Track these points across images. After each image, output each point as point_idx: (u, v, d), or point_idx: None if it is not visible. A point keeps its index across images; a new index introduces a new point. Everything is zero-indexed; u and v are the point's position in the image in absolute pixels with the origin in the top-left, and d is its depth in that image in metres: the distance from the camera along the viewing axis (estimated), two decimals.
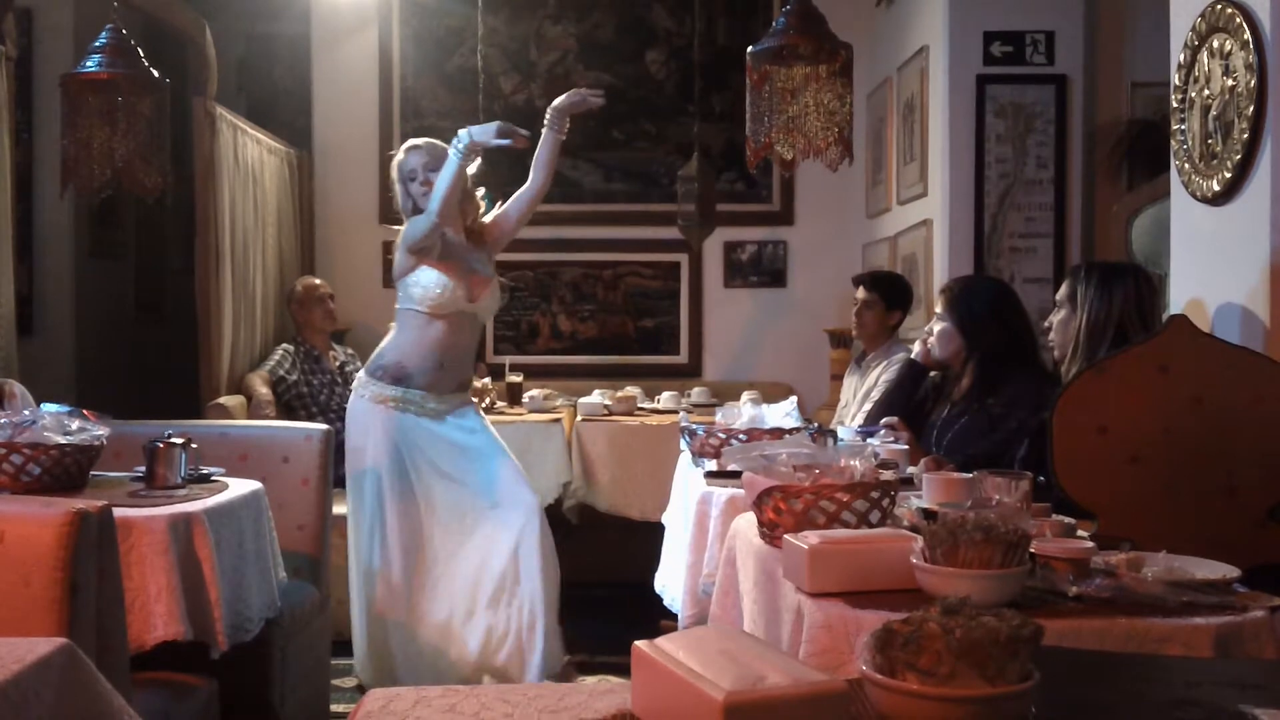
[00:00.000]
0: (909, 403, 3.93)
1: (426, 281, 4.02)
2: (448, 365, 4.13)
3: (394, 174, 4.20)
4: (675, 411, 5.43)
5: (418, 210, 4.10)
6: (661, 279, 7.06)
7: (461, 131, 3.90)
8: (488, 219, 4.24)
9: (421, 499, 4.06)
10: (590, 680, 4.22)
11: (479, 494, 4.07)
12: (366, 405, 4.11)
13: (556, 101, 4.11)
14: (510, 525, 4.02)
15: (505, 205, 4.27)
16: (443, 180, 3.91)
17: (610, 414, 5.35)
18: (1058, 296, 3.39)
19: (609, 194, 7.00)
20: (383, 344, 4.19)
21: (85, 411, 3.25)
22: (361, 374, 4.21)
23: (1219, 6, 3.05)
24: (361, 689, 4.16)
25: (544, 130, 4.13)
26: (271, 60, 7.65)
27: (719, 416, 3.82)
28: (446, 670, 3.98)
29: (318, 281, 6.21)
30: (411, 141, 4.24)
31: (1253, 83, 2.89)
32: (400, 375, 4.08)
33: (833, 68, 3.69)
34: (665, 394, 5.85)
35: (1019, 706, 1.23)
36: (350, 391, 5.95)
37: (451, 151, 3.90)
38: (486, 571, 4.02)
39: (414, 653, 4.05)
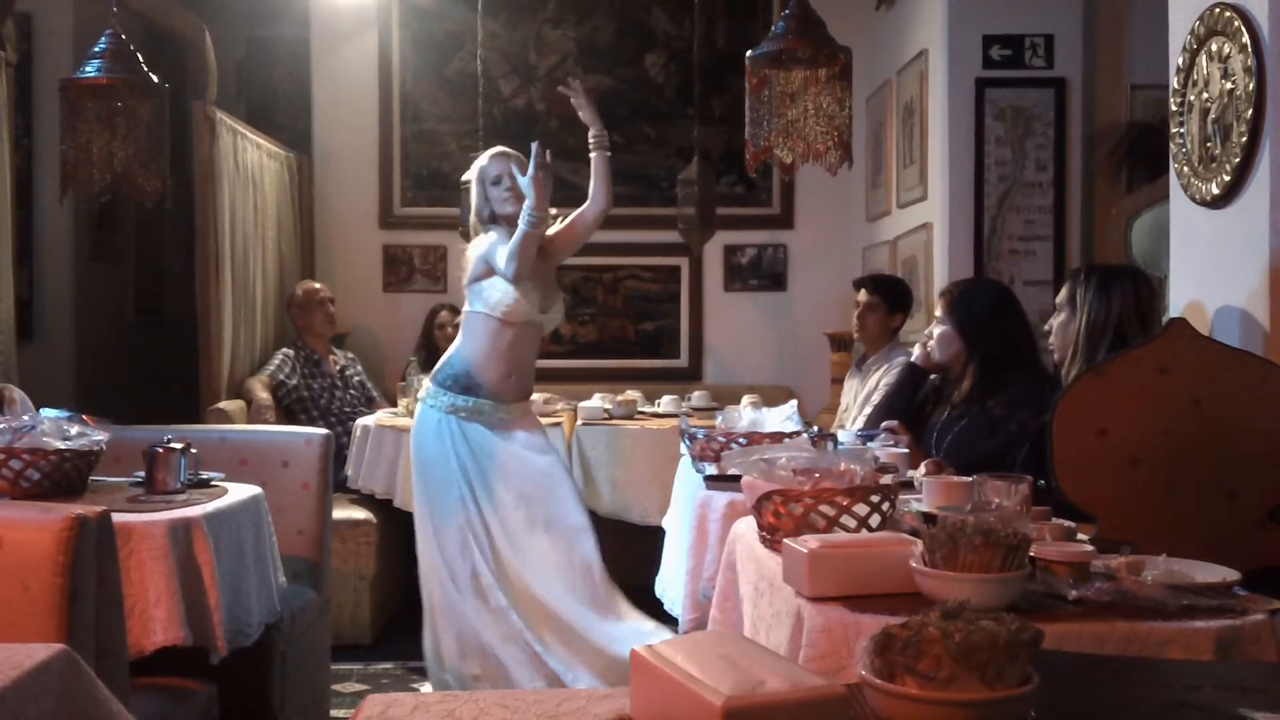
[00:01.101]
0: (909, 406, 3.93)
1: (505, 288, 4.01)
2: (515, 373, 4.13)
3: (473, 179, 4.19)
4: (675, 415, 5.43)
5: (494, 217, 4.09)
6: (661, 282, 7.06)
7: (526, 207, 3.88)
8: (552, 232, 4.23)
9: (490, 513, 4.04)
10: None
11: (539, 515, 4.05)
12: (438, 415, 4.06)
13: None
14: (563, 550, 4.03)
15: (570, 219, 4.28)
16: (514, 247, 3.91)
17: (610, 418, 5.34)
18: (1057, 299, 3.39)
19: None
20: (449, 353, 4.16)
21: (85, 416, 3.25)
22: (429, 384, 4.15)
23: (1217, 10, 3.05)
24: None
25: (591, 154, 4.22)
26: (271, 64, 7.66)
27: (719, 420, 3.82)
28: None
29: (317, 285, 6.21)
30: (499, 148, 4.22)
31: (1251, 86, 2.89)
32: (470, 384, 4.05)
33: (832, 71, 3.69)
34: (665, 397, 5.84)
35: (1019, 710, 1.23)
36: (349, 395, 6.02)
37: (522, 223, 3.89)
38: (539, 593, 4.02)
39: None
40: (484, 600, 3.98)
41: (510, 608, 3.95)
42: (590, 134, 4.21)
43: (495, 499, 4.03)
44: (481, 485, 4.03)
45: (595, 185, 4.23)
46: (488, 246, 4.05)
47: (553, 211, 4.20)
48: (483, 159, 4.21)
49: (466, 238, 6.07)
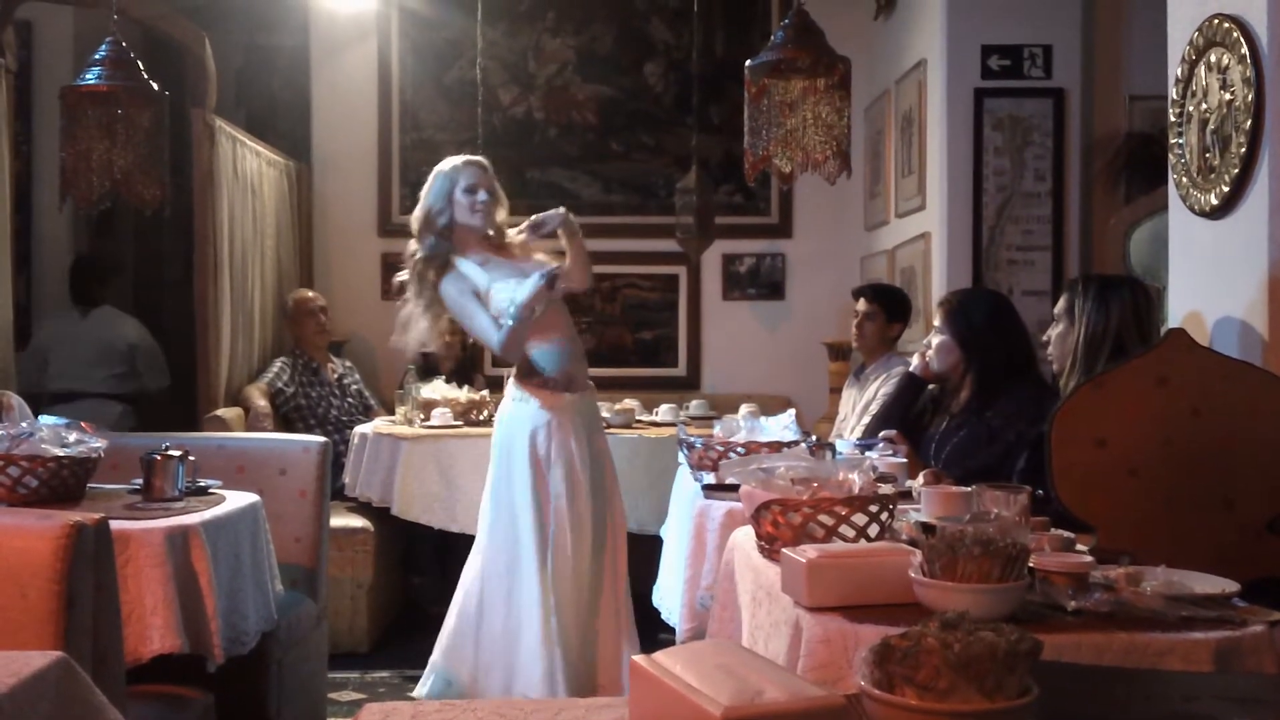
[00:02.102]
0: (907, 415, 3.93)
1: (504, 302, 3.93)
2: (576, 353, 4.08)
3: (440, 175, 4.05)
4: (673, 424, 5.42)
5: (451, 225, 4.00)
6: (660, 291, 7.07)
7: (510, 306, 3.84)
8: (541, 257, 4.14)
9: (579, 510, 3.98)
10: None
11: (601, 517, 4.04)
12: (542, 414, 3.95)
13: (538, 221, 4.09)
14: (614, 554, 4.05)
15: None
16: (509, 336, 3.88)
17: (608, 426, 5.33)
18: (1055, 310, 3.40)
19: (607, 206, 7.00)
20: (527, 361, 4.02)
21: (83, 423, 3.25)
22: (517, 388, 4.02)
23: (1216, 21, 3.05)
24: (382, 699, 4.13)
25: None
26: (271, 72, 7.66)
27: (717, 429, 3.81)
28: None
29: (310, 294, 6.21)
30: (476, 158, 4.13)
31: (1250, 97, 2.90)
32: (564, 380, 3.99)
33: (831, 81, 3.69)
34: (663, 406, 5.84)
35: None
36: (347, 403, 6.01)
37: (506, 319, 3.84)
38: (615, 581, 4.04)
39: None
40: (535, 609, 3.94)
41: (555, 610, 3.91)
42: (561, 237, 4.10)
43: (583, 497, 3.98)
44: (577, 482, 3.97)
45: (575, 267, 4.11)
46: (460, 306, 3.99)
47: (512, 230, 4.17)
48: (455, 161, 4.09)
49: None
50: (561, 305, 4.10)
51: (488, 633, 3.94)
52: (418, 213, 4.07)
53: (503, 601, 3.93)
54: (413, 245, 4.08)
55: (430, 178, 4.09)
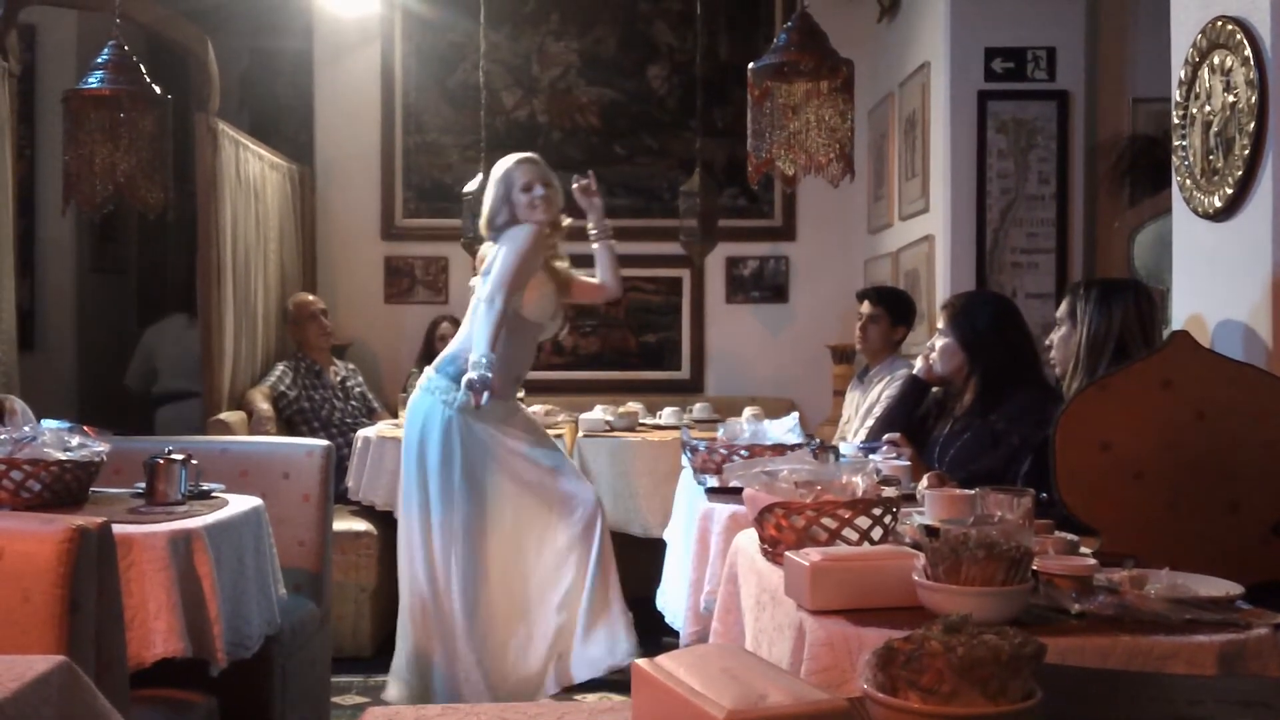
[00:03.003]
0: (911, 418, 3.93)
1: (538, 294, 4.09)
2: (520, 376, 4.25)
3: (496, 179, 4.16)
4: (677, 427, 5.42)
5: (512, 221, 4.10)
6: (663, 294, 7.07)
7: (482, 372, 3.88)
8: (580, 278, 4.34)
9: (492, 502, 4.04)
10: (591, 698, 4.21)
11: (543, 496, 4.09)
12: (449, 412, 4.02)
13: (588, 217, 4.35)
14: (573, 525, 4.07)
15: (589, 284, 4.39)
16: (485, 335, 3.95)
17: (612, 429, 5.34)
18: (1058, 313, 3.39)
19: (611, 209, 6.87)
20: (458, 346, 4.12)
21: (85, 427, 3.25)
22: (435, 375, 4.11)
23: (1220, 23, 3.05)
24: (384, 702, 4.13)
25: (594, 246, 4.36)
26: (274, 76, 7.67)
27: (721, 432, 3.81)
28: (502, 683, 4.02)
29: (310, 298, 6.21)
30: (528, 155, 4.23)
31: (1254, 99, 2.90)
32: (485, 389, 3.97)
33: (834, 83, 3.69)
34: (667, 409, 5.84)
35: None
36: (350, 406, 6.01)
37: (476, 363, 3.88)
38: (552, 575, 4.06)
39: (466, 665, 4.04)
40: (467, 599, 4.01)
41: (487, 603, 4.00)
42: (592, 223, 4.33)
43: (496, 494, 4.03)
44: (484, 480, 4.02)
45: (606, 274, 4.35)
46: (520, 253, 4.04)
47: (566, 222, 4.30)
48: (508, 162, 4.19)
49: (469, 249, 6.10)
50: (531, 336, 4.23)
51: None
52: (483, 218, 4.22)
53: (434, 602, 4.07)
54: (486, 245, 4.24)
55: (489, 184, 4.22)
